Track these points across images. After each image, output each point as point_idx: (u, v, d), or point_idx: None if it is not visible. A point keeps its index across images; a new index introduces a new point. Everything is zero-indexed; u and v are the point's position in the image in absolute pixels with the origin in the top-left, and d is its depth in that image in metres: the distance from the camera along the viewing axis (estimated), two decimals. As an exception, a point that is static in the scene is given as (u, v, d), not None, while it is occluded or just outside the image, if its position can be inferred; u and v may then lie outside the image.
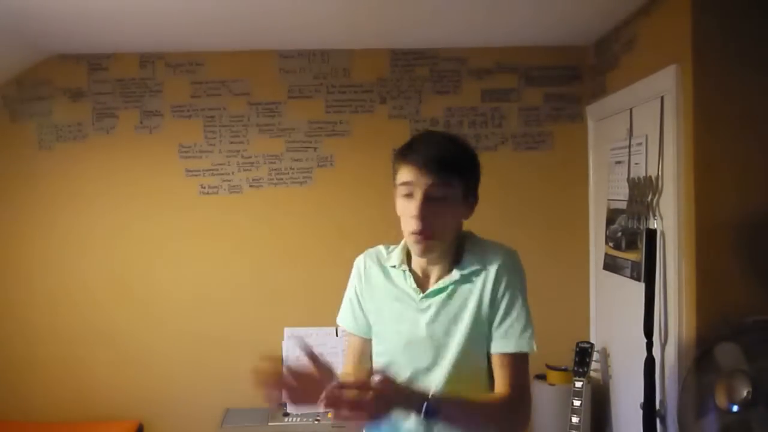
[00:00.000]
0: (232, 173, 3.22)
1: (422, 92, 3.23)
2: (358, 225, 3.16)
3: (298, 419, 2.98)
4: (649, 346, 2.38)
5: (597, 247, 3.13)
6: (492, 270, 1.59)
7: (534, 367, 2.35)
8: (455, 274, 1.62)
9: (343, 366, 1.82)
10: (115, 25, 2.75)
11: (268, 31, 2.92)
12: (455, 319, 1.60)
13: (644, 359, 2.38)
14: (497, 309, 1.59)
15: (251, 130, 3.22)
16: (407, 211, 1.57)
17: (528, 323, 1.59)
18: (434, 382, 1.60)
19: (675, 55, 2.28)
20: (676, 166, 2.28)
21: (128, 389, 3.19)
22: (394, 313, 1.68)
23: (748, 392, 1.90)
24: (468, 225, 1.70)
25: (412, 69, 3.23)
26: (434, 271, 1.66)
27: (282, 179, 3.23)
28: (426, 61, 3.23)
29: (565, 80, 3.25)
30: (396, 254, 1.70)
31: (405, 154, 1.59)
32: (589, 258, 3.22)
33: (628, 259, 2.69)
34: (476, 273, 1.61)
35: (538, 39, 3.12)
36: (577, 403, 2.75)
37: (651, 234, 2.41)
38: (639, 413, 2.41)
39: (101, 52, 3.17)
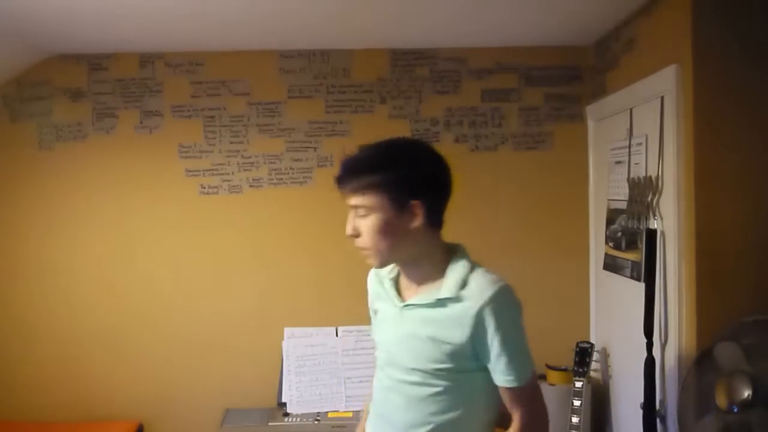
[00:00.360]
0: (232, 173, 3.22)
1: (422, 92, 3.23)
2: (358, 225, 3.15)
3: (298, 419, 2.97)
4: (649, 346, 2.37)
5: (597, 247, 3.12)
6: (477, 305, 1.54)
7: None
8: (432, 297, 1.60)
9: None
10: (115, 25, 2.75)
11: (269, 31, 2.92)
12: (428, 338, 1.59)
13: (644, 359, 2.38)
14: (490, 346, 1.55)
15: (251, 130, 3.22)
16: None
17: (525, 352, 1.58)
18: (406, 393, 1.62)
19: (675, 55, 2.28)
20: (676, 166, 2.28)
21: (128, 389, 3.19)
22: (381, 320, 1.74)
23: (748, 393, 1.89)
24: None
25: (412, 69, 3.23)
26: (412, 284, 1.68)
27: (282, 179, 3.23)
28: (426, 61, 3.23)
29: (565, 80, 3.24)
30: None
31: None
32: (589, 258, 3.21)
33: (628, 259, 2.69)
34: (456, 300, 1.57)
35: (538, 39, 3.11)
36: (577, 403, 2.75)
37: (651, 234, 2.41)
38: (639, 413, 2.41)
39: (101, 52, 3.17)
